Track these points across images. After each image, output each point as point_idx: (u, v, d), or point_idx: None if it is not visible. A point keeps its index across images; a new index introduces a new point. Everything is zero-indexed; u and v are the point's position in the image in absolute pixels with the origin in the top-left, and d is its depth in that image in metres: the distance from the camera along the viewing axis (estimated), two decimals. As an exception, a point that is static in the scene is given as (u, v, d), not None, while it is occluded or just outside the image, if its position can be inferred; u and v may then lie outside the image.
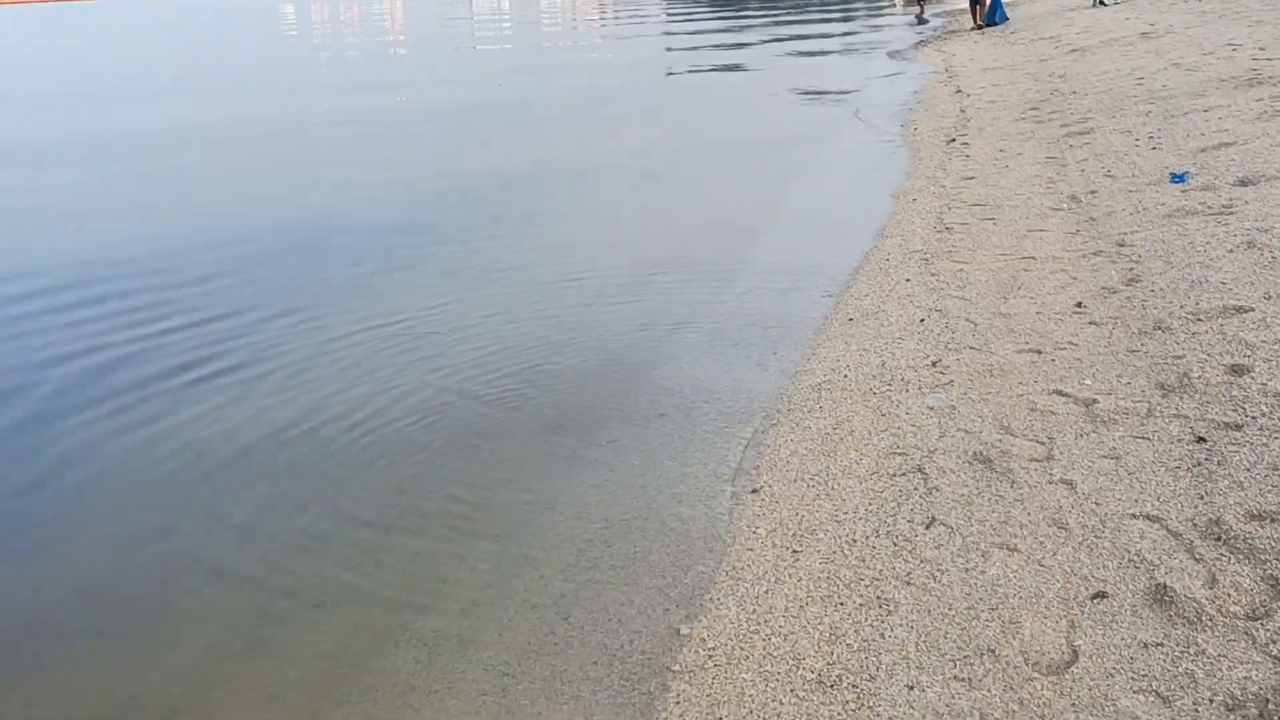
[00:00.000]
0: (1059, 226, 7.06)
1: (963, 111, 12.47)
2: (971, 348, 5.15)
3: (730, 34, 29.47)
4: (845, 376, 5.00)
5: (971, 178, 8.85)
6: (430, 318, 6.25)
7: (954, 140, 10.64)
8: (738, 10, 43.00)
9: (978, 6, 23.07)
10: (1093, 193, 7.71)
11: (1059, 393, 4.52)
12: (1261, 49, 12.01)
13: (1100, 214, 7.14)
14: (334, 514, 4.08)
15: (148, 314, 6.50)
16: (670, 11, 46.40)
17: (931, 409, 4.52)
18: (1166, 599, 3.05)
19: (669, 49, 27.41)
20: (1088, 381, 4.59)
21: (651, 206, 9.20)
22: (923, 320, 5.61)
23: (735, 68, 20.83)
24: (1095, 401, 4.37)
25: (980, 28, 22.43)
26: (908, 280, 6.33)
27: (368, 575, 3.68)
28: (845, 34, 27.86)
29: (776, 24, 32.53)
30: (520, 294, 6.68)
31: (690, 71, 20.96)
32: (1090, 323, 5.28)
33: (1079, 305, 5.54)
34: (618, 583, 3.55)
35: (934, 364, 5.00)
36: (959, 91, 14.13)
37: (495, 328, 6.04)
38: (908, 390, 4.76)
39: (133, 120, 16.37)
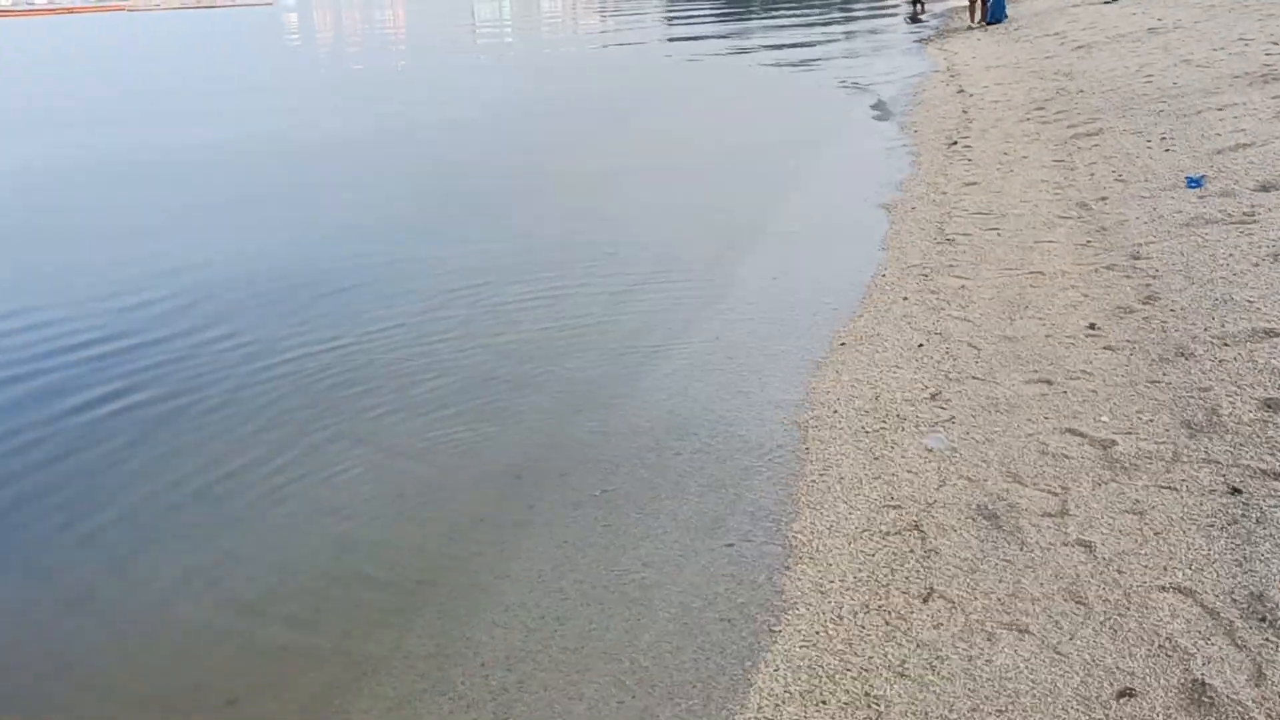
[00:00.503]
0: (1068, 237, 6.56)
1: (965, 112, 11.96)
2: (975, 378, 4.65)
3: (728, 39, 28.92)
4: (835, 412, 4.51)
5: (974, 184, 8.34)
6: (373, 343, 5.76)
7: (955, 143, 10.14)
8: (740, 12, 42.48)
9: (977, 3, 22.46)
10: (1103, 199, 7.21)
11: (1073, 432, 4.03)
12: (1275, 43, 11.47)
13: (1112, 223, 6.64)
14: (246, 590, 3.60)
15: (60, 339, 6.04)
16: (670, 15, 45.88)
17: (930, 451, 4.03)
18: (1205, 699, 2.56)
19: (667, 55, 26.97)
20: (1105, 419, 4.10)
21: (633, 218, 8.70)
22: (921, 345, 5.12)
23: (728, 71, 20.34)
24: (1113, 443, 3.88)
25: (981, 25, 21.82)
26: (905, 299, 5.83)
27: (284, 667, 3.20)
28: (845, 33, 27.36)
29: (776, 26, 31.99)
30: (484, 315, 6.19)
31: (684, 76, 20.44)
32: (1105, 348, 4.78)
33: (1092, 327, 5.04)
34: (568, 670, 3.06)
35: (933, 397, 4.51)
36: (961, 91, 13.62)
37: (449, 355, 5.55)
38: (904, 428, 4.27)
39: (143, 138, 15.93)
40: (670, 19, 39.14)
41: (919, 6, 29.52)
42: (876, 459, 4.03)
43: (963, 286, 5.90)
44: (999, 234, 6.85)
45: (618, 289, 6.56)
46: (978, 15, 22.31)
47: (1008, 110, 11.59)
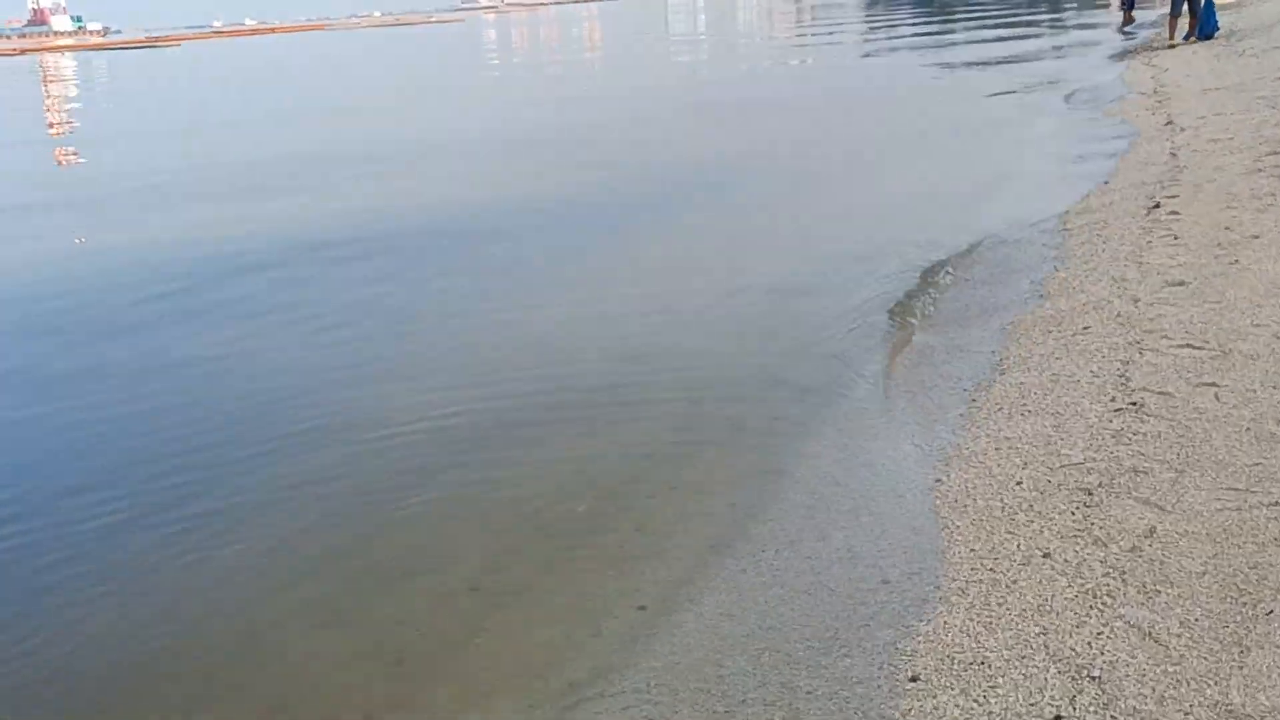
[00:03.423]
0: (1341, 416, 3.70)
1: (1173, 155, 8.76)
2: None
3: (926, 39, 25.52)
4: None
5: (1180, 284, 5.41)
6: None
7: (1158, 205, 7.09)
8: (939, 15, 38.64)
9: (1178, 17, 17.87)
10: (1394, 332, 4.25)
11: None
12: None
13: None
14: None
15: None
16: (868, 20, 42.41)
17: None
18: None
19: (865, 55, 24.39)
20: None
21: (659, 308, 6.25)
22: (1060, 718, 2.48)
23: (918, 86, 17.32)
24: None
25: (1190, 40, 17.42)
26: (1047, 556, 3.16)
27: None
28: (1050, 38, 23.76)
29: (977, 30, 28.33)
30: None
31: (871, 89, 17.49)
32: None
33: None
34: None
35: None
36: (1169, 123, 10.31)
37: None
38: None
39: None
40: (869, 30, 35.79)
41: (1129, 11, 24.98)
42: None
43: (1152, 531, 3.18)
44: (1218, 396, 4.02)
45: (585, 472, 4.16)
46: (1179, 31, 17.89)
47: (1230, 154, 8.34)
